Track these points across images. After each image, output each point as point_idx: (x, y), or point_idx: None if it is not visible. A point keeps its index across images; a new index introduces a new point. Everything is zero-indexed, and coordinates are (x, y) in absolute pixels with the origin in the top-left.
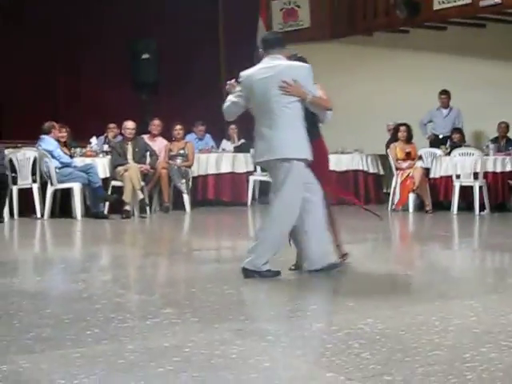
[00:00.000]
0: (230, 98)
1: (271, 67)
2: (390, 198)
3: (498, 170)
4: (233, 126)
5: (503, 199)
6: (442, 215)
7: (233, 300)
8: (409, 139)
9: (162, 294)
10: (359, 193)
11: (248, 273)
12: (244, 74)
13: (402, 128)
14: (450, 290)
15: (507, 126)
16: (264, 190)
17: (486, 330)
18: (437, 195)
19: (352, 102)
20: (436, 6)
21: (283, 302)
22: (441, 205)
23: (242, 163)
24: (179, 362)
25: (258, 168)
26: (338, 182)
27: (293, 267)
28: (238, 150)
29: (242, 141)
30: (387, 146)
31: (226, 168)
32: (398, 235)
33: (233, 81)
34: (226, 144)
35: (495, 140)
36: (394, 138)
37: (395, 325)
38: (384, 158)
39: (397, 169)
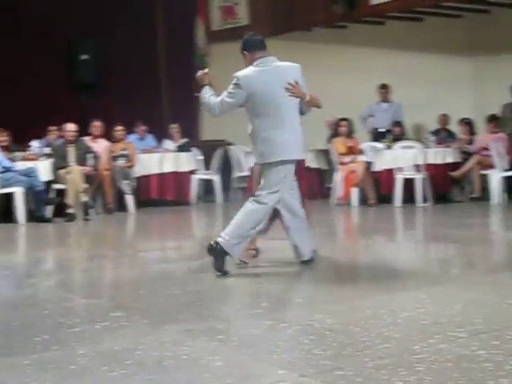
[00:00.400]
0: (222, 98)
1: (271, 69)
2: (333, 193)
3: (439, 161)
4: (174, 126)
5: (445, 190)
6: (385, 208)
7: (181, 300)
8: (350, 134)
9: (110, 297)
10: (302, 187)
11: (215, 250)
12: (241, 75)
13: (343, 123)
14: (397, 283)
15: (448, 118)
16: (207, 188)
17: (433, 321)
18: (379, 188)
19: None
20: (373, 1)
21: (232, 300)
22: (384, 198)
23: (185, 162)
24: (131, 365)
25: (201, 167)
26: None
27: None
28: (180, 149)
29: (184, 140)
30: (329, 142)
31: (168, 167)
32: (342, 229)
33: (205, 71)
34: (168, 143)
35: (435, 132)
36: (335, 133)
37: (344, 319)
38: (326, 153)
39: (339, 163)
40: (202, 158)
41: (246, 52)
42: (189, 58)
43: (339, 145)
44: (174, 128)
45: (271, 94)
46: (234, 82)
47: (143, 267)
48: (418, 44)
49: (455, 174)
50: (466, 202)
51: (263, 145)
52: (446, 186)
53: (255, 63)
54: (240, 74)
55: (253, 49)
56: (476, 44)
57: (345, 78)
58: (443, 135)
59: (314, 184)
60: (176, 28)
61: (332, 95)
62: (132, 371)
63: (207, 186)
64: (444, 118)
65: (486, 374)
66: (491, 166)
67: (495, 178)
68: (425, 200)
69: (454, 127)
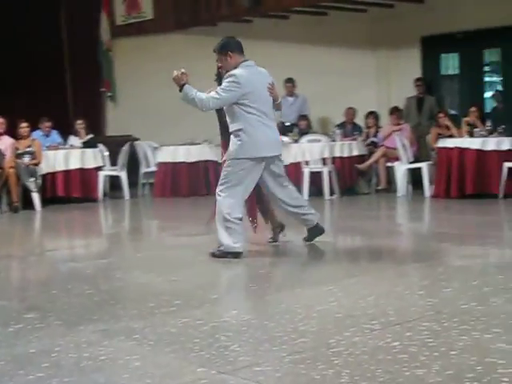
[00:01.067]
0: (218, 93)
1: (257, 71)
2: None
3: (346, 154)
4: (80, 122)
5: (351, 183)
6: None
7: (95, 300)
8: None
9: (22, 298)
10: (210, 183)
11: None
12: (239, 74)
13: None
14: (309, 277)
15: (354, 112)
16: (114, 184)
17: (347, 314)
18: None
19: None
20: None
21: (145, 299)
22: None
23: (91, 159)
24: (48, 368)
25: (108, 163)
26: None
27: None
28: (86, 145)
29: (90, 136)
30: None
31: (74, 164)
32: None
33: (182, 70)
34: (73, 140)
35: (341, 125)
36: None
37: (260, 315)
38: None
39: None
40: (107, 154)
41: (231, 53)
42: (93, 54)
43: None
44: (80, 124)
45: (262, 93)
46: (231, 79)
47: (53, 267)
48: (322, 38)
49: (361, 166)
50: (372, 194)
51: (261, 138)
52: (353, 179)
53: (243, 64)
54: (237, 72)
55: (238, 51)
56: (380, 38)
57: None
58: (349, 128)
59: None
60: (79, 23)
61: None
62: (49, 374)
63: (114, 182)
64: (350, 112)
65: (402, 366)
66: (396, 159)
67: (400, 170)
68: (332, 193)
69: (359, 120)
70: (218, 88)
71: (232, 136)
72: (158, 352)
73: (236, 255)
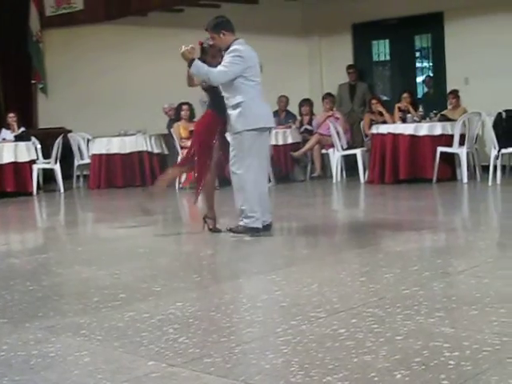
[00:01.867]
0: (226, 67)
1: (253, 49)
2: (177, 178)
3: (280, 142)
4: (12, 115)
5: (287, 170)
6: (230, 190)
7: (38, 296)
8: (191, 118)
9: None
10: (145, 173)
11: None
12: (242, 49)
13: (185, 107)
14: (251, 266)
15: (287, 100)
16: (48, 177)
17: (292, 302)
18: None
19: (132, 84)
20: None
21: (89, 293)
22: (228, 180)
23: (24, 152)
24: None
25: (41, 156)
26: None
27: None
28: (18, 138)
29: (22, 129)
30: (169, 127)
31: (8, 158)
32: (187, 214)
33: (190, 46)
34: (5, 133)
35: (275, 114)
36: (177, 118)
37: (205, 306)
38: (168, 138)
39: (181, 147)
40: (40, 146)
41: (225, 32)
42: (22, 45)
43: (181, 129)
44: (12, 117)
45: (257, 69)
46: (235, 54)
47: None
48: (253, 26)
49: (296, 154)
50: (307, 182)
51: (265, 109)
52: (288, 166)
53: (239, 42)
54: (239, 47)
55: (230, 29)
56: (312, 25)
57: (183, 63)
58: (283, 116)
59: (156, 169)
60: (8, 14)
61: (172, 80)
62: None
63: (48, 175)
64: (282, 100)
65: (350, 352)
66: (331, 146)
67: (335, 157)
68: (268, 180)
69: (292, 108)
70: (224, 62)
71: (232, 110)
72: (107, 347)
73: (257, 231)
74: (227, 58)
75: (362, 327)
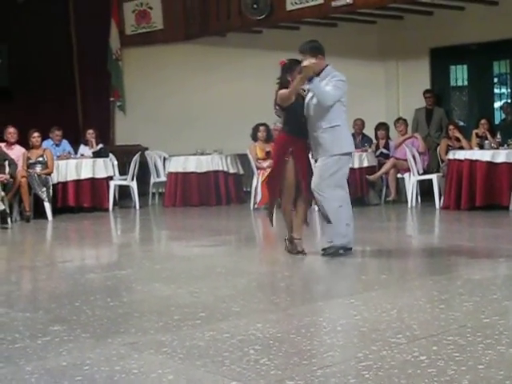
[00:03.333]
0: (335, 90)
1: None
2: (252, 197)
3: (356, 166)
4: (90, 131)
5: (362, 194)
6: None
7: (119, 312)
8: (268, 139)
9: (47, 310)
10: (221, 193)
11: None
12: (340, 74)
13: (262, 128)
14: (330, 290)
15: (363, 123)
16: (125, 194)
17: (372, 328)
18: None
19: (209, 103)
20: (289, 7)
21: (169, 311)
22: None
23: (102, 168)
24: (82, 381)
25: (118, 173)
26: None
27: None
28: (96, 155)
29: (100, 146)
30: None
31: (85, 174)
32: (262, 234)
33: (313, 60)
34: (84, 149)
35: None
36: (253, 138)
37: (285, 328)
38: (243, 158)
39: (257, 168)
40: (116, 163)
41: (321, 56)
42: (102, 63)
43: (257, 149)
44: (90, 134)
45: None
46: (339, 78)
47: (72, 278)
48: (332, 49)
49: (371, 177)
50: (382, 206)
51: (349, 136)
52: (363, 190)
53: (331, 67)
54: (339, 73)
55: (323, 55)
56: (389, 49)
57: (261, 84)
58: (359, 140)
59: (232, 189)
60: (89, 32)
61: (249, 100)
62: None
63: (124, 191)
64: (358, 123)
65: (432, 380)
66: (407, 170)
67: (410, 182)
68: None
69: (369, 131)
70: (331, 86)
71: (325, 133)
72: (189, 366)
73: (346, 249)
74: (334, 81)
75: (443, 355)
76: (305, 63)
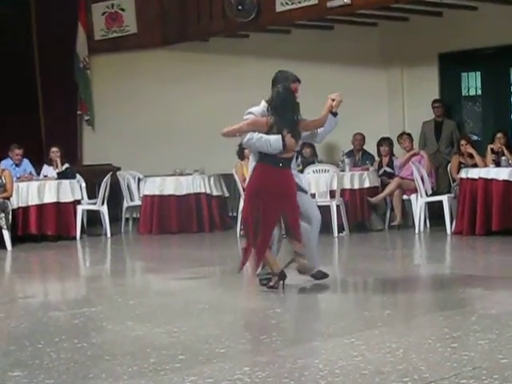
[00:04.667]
0: None
1: None
2: (239, 223)
3: (356, 186)
4: (55, 149)
5: (363, 218)
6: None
7: (88, 355)
8: None
9: (6, 353)
10: (203, 218)
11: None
12: None
13: None
14: (327, 327)
15: (363, 138)
16: (93, 220)
17: (375, 370)
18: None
19: (189, 117)
20: (279, 8)
21: (145, 353)
22: None
23: (68, 191)
24: None
25: (86, 196)
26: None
27: None
28: (61, 176)
29: (66, 165)
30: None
31: (49, 197)
32: (250, 266)
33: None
34: (47, 170)
35: (350, 153)
36: (240, 156)
37: (276, 372)
38: (229, 178)
39: (244, 190)
40: (84, 185)
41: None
42: (68, 72)
43: (244, 169)
44: (55, 152)
45: None
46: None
47: (34, 316)
48: (327, 55)
49: (374, 199)
50: (386, 231)
51: None
52: (364, 214)
53: None
54: None
55: None
56: (392, 55)
57: (248, 93)
58: (359, 157)
59: (215, 213)
60: (53, 38)
61: (234, 112)
62: None
63: (93, 217)
64: (358, 138)
65: None
66: (413, 191)
67: (418, 204)
68: (341, 229)
69: (370, 148)
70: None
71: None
72: None
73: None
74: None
75: None
76: (339, 97)
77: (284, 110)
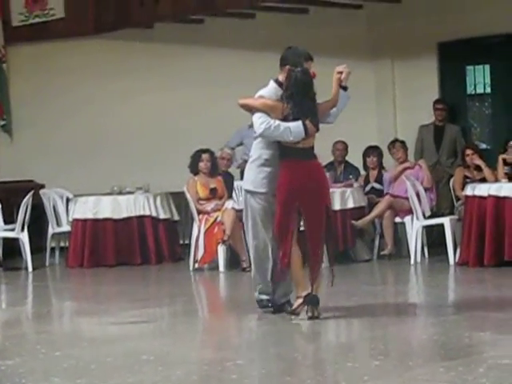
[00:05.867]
0: None
1: None
2: (192, 253)
3: (337, 207)
4: None
5: (345, 246)
6: None
7: None
8: (213, 171)
9: None
10: (148, 247)
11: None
12: None
13: (205, 156)
14: (302, 383)
15: (345, 148)
16: (12, 250)
17: None
18: None
19: (129, 122)
20: None
21: None
22: None
23: None
24: None
25: (1, 220)
26: None
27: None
28: None
29: None
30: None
31: None
32: (206, 305)
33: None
34: None
35: (330, 166)
36: (193, 170)
37: None
38: (179, 198)
39: (199, 212)
40: (0, 207)
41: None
42: None
43: (198, 186)
44: None
45: None
46: None
47: None
48: (300, 43)
49: (359, 223)
50: (374, 262)
51: None
52: (347, 241)
53: None
54: None
55: None
56: (381, 45)
57: (202, 91)
58: (340, 170)
59: (163, 241)
60: None
61: (185, 115)
62: None
63: (11, 246)
64: (339, 147)
65: None
66: (408, 212)
67: (413, 228)
68: None
69: (355, 159)
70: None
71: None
72: None
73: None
74: None
75: None
76: (347, 69)
77: (302, 97)
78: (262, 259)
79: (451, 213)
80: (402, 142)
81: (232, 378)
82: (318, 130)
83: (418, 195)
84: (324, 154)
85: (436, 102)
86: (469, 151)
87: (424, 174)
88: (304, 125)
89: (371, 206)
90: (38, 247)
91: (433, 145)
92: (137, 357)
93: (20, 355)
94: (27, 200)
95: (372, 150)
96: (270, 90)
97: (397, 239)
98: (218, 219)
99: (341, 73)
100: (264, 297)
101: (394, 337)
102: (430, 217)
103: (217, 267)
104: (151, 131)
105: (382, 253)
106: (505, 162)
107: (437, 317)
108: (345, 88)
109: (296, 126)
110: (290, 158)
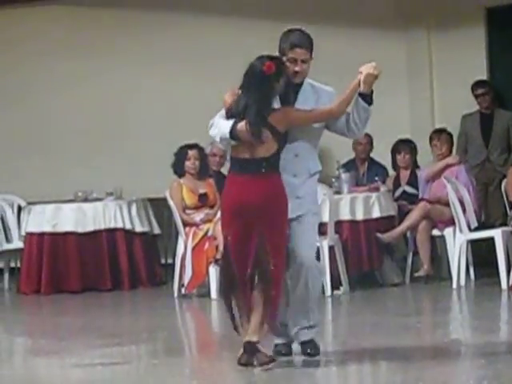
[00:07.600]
0: None
1: None
2: (176, 276)
3: (360, 216)
4: None
5: (370, 266)
6: None
7: None
8: (203, 172)
9: None
10: (120, 268)
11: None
12: None
13: (192, 152)
14: None
15: (370, 142)
16: None
17: None
18: None
19: (90, 105)
20: None
21: None
22: None
23: None
24: None
25: None
26: None
27: None
28: None
29: None
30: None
31: None
32: (194, 342)
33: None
34: None
35: (350, 165)
36: (178, 172)
37: None
38: (160, 206)
39: (185, 224)
40: None
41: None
42: None
43: (184, 191)
44: None
45: None
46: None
47: None
48: (316, 12)
49: (387, 236)
50: (406, 286)
51: None
52: (373, 259)
53: None
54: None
55: None
56: (414, 10)
57: (184, 74)
58: (364, 170)
59: (139, 260)
60: None
61: (163, 96)
62: None
63: None
64: (364, 142)
65: None
66: (448, 223)
67: (456, 243)
68: (336, 284)
69: (381, 157)
70: None
71: (310, 180)
72: None
73: None
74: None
75: None
76: (371, 69)
77: (247, 92)
78: None
79: (504, 224)
80: (449, 134)
81: None
82: (260, 137)
83: (460, 201)
84: (343, 149)
85: (474, 85)
86: None
87: (465, 178)
88: (233, 125)
89: (402, 215)
90: None
91: (480, 138)
92: None
93: None
94: None
95: (403, 145)
96: None
97: (435, 257)
98: (209, 233)
99: (361, 73)
100: (279, 341)
101: (432, 383)
102: (477, 229)
103: (208, 293)
104: (122, 120)
105: (416, 274)
106: None
107: (486, 356)
108: (364, 96)
109: (225, 126)
110: (232, 171)
